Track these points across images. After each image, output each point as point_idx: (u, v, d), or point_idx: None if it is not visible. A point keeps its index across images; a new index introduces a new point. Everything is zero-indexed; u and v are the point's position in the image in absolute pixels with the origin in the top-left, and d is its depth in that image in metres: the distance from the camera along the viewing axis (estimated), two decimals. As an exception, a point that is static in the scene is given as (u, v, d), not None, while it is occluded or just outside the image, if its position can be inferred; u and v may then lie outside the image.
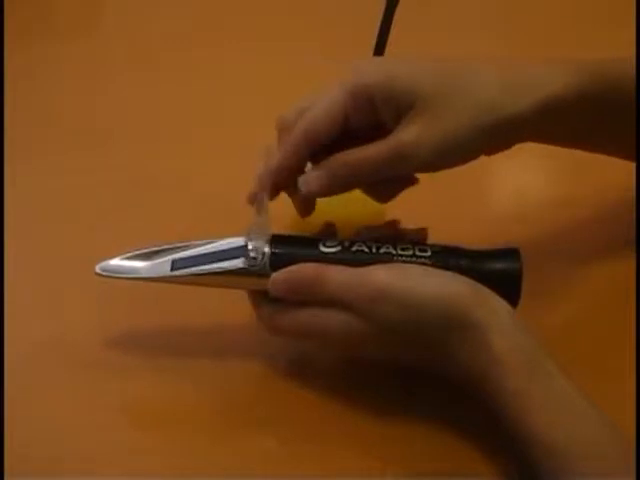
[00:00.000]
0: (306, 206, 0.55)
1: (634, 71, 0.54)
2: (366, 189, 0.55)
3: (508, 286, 0.50)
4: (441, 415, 0.51)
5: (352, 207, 0.61)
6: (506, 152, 0.53)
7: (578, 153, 0.59)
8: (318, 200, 0.55)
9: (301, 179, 0.52)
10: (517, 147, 0.54)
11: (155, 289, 0.54)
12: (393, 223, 0.54)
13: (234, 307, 0.55)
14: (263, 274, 0.51)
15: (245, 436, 0.51)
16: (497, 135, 0.51)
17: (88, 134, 0.78)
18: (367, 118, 0.50)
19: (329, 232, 0.55)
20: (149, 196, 0.69)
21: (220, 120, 0.79)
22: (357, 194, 0.61)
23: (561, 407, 0.46)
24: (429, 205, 0.65)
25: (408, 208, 0.64)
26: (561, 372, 0.47)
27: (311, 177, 0.52)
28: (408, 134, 0.49)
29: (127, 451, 0.51)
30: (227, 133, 0.77)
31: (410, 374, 0.53)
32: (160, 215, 0.67)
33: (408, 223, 0.56)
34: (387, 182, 0.53)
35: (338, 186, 0.52)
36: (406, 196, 0.64)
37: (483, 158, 0.52)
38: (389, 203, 0.61)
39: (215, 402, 0.53)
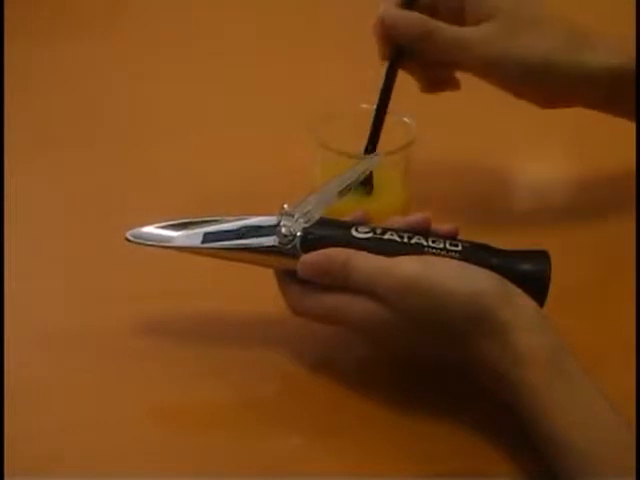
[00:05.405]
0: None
1: None
2: (420, 73, 0.64)
3: (535, 288, 0.50)
4: (465, 414, 0.51)
5: (380, 202, 0.62)
6: (531, 154, 0.53)
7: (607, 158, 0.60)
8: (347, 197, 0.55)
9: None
10: (544, 148, 0.54)
11: (182, 279, 0.54)
12: (425, 216, 0.54)
13: (263, 301, 0.55)
14: (293, 254, 0.51)
15: (268, 433, 0.50)
16: (559, 78, 0.60)
17: (90, 131, 0.78)
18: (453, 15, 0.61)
19: (362, 220, 0.55)
20: (156, 188, 0.70)
21: (221, 119, 0.79)
22: (385, 192, 0.62)
23: (582, 408, 0.46)
24: (455, 205, 0.66)
25: (433, 208, 0.64)
26: (584, 373, 0.47)
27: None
28: (480, 31, 0.60)
29: (144, 449, 0.49)
30: (231, 133, 0.77)
31: (433, 373, 0.53)
32: (163, 212, 0.66)
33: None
34: (438, 78, 0.64)
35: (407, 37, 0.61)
36: (431, 196, 0.65)
37: (510, 159, 0.51)
38: (415, 203, 0.62)
39: (239, 398, 0.53)
